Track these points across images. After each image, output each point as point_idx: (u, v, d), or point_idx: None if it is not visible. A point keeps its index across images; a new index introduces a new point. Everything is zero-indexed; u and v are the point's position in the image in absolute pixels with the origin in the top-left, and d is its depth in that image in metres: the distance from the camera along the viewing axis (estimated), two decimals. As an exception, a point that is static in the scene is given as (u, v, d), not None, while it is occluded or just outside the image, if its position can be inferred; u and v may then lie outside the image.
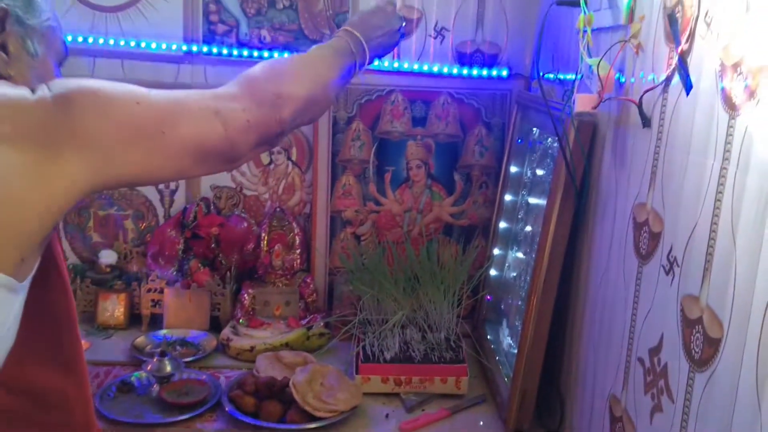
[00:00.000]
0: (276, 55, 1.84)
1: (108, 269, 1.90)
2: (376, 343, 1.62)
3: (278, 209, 1.91)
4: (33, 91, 0.78)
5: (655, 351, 1.03)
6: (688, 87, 0.95)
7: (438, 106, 1.89)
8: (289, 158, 1.95)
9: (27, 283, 0.78)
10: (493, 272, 1.82)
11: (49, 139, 0.76)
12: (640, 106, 1.09)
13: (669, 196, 1.01)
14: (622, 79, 1.20)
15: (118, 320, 1.84)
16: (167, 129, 0.85)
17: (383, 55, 1.30)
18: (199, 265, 1.85)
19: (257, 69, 1.02)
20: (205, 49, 1.85)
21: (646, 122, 1.08)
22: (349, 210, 1.92)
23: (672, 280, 0.98)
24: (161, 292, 1.83)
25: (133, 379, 1.56)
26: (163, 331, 1.79)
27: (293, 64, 1.12)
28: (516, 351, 1.47)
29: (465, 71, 1.87)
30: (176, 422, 1.42)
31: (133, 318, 1.86)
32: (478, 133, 1.90)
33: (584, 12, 1.21)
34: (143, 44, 1.83)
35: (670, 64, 1.01)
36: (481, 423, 1.50)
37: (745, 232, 0.80)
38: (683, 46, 0.97)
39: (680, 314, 0.95)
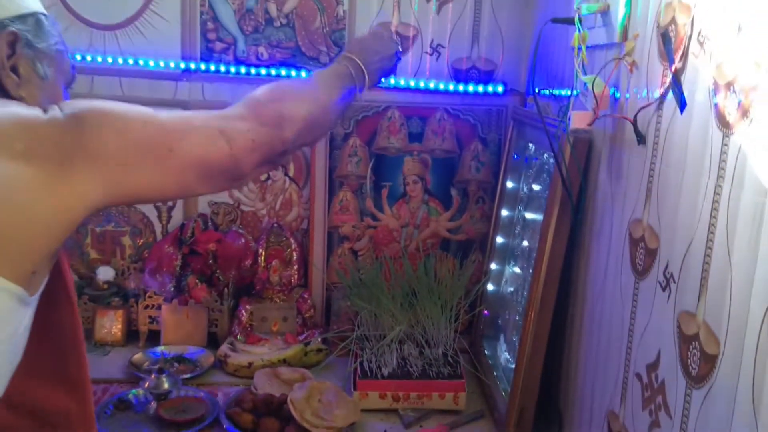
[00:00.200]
0: (273, 71, 1.87)
1: (105, 286, 1.90)
2: (374, 359, 1.62)
3: (276, 225, 1.92)
4: (45, 111, 0.81)
5: (652, 367, 1.04)
6: (682, 105, 0.96)
7: (434, 122, 1.90)
8: (286, 174, 1.95)
9: (36, 298, 0.80)
10: (490, 287, 1.82)
11: (62, 156, 0.78)
12: (634, 123, 1.10)
13: (665, 213, 1.02)
14: (617, 95, 1.21)
15: (115, 337, 1.84)
16: (175, 147, 0.87)
17: (381, 79, 1.34)
18: (197, 281, 1.85)
19: (261, 91, 1.05)
20: (202, 66, 1.87)
21: (641, 139, 1.09)
22: (346, 225, 1.92)
23: (668, 296, 0.99)
24: (159, 308, 1.83)
25: (130, 396, 1.55)
26: (161, 348, 1.79)
27: (295, 86, 1.17)
28: (514, 366, 1.47)
29: (461, 87, 1.89)
30: (174, 440, 1.42)
31: (131, 334, 1.86)
32: (474, 149, 1.91)
33: (579, 30, 1.23)
34: (141, 62, 1.84)
35: (665, 82, 1.02)
36: (480, 439, 1.50)
37: (740, 249, 0.81)
38: (677, 64, 0.98)
39: (677, 330, 0.96)
